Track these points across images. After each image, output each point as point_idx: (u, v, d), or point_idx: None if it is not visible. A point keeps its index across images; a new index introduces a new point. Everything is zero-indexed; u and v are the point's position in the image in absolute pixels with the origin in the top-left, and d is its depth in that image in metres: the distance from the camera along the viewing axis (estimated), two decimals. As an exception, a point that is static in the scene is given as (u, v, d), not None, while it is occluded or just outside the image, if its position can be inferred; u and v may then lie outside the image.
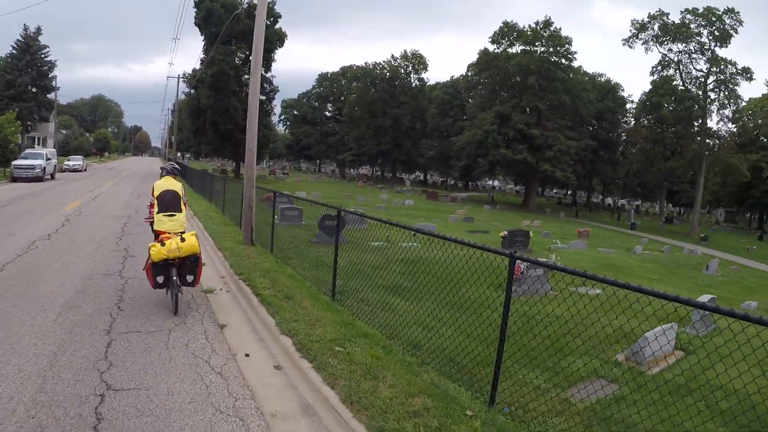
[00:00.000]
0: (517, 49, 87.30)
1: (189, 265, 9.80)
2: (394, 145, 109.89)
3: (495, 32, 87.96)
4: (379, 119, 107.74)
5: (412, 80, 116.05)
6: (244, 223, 18.18)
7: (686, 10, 77.60)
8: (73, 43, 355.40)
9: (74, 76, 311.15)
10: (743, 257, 54.44)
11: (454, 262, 7.95)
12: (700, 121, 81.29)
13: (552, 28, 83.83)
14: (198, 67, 68.76)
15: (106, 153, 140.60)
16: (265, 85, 71.73)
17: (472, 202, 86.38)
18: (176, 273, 9.69)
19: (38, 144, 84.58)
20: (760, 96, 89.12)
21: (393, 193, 78.37)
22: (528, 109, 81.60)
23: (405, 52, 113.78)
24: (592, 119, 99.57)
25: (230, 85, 63.88)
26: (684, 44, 79.39)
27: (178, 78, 75.18)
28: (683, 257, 44.21)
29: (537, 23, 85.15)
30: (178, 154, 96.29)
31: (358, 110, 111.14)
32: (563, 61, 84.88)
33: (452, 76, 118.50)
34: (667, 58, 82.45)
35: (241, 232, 19.03)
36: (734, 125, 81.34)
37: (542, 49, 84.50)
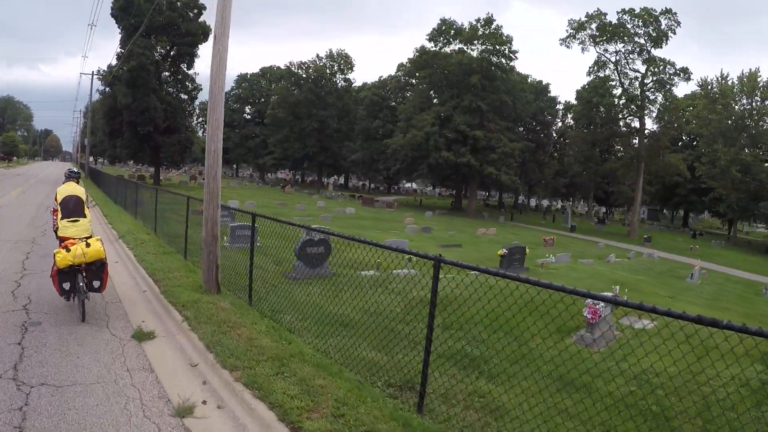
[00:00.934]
0: (455, 47, 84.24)
1: (95, 271, 9.62)
2: (320, 148, 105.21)
3: (433, 29, 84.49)
4: (304, 121, 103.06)
5: (338, 81, 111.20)
6: (207, 260, 11.96)
7: (623, 10, 77.31)
8: None
9: None
10: (691, 257, 53.87)
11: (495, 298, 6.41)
12: (637, 121, 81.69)
13: (493, 26, 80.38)
14: (114, 63, 63.09)
15: (15, 158, 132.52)
16: (186, 83, 66.41)
17: (407, 207, 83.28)
18: (83, 279, 9.44)
19: None
20: (688, 95, 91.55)
21: (326, 200, 74.17)
22: (470, 109, 77.53)
23: (330, 51, 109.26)
24: (530, 120, 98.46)
25: (150, 83, 58.59)
26: (622, 44, 79.21)
27: (92, 74, 69.02)
28: (653, 263, 42.21)
29: (478, 20, 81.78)
30: (91, 159, 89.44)
31: (281, 112, 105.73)
32: (503, 60, 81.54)
33: (380, 77, 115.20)
34: (602, 59, 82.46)
35: (187, 263, 14.87)
36: (668, 125, 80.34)
37: (481, 47, 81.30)
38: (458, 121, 75.81)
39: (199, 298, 11.02)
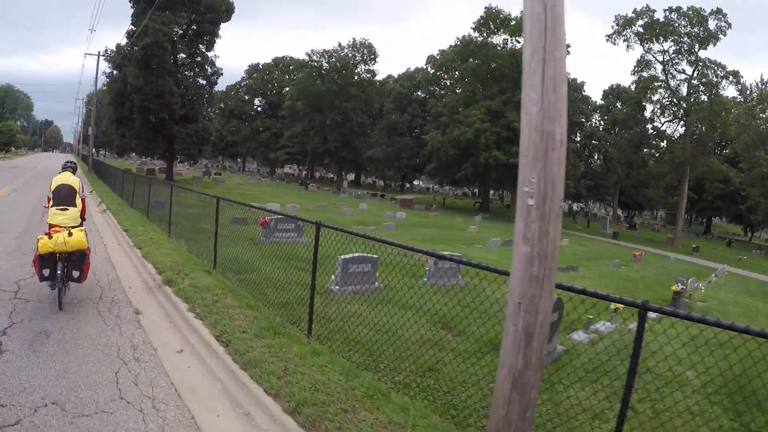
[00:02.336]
0: (500, 38, 76.57)
1: (75, 261, 9.66)
2: (342, 143, 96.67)
3: (480, 17, 76.64)
4: (326, 114, 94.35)
5: (361, 71, 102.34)
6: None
7: (670, 8, 73.41)
8: None
9: None
10: (746, 270, 50.13)
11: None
12: (680, 124, 78.41)
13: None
14: (124, 43, 55.18)
15: (12, 148, 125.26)
16: (206, 66, 58.44)
17: (443, 209, 75.58)
18: (62, 267, 9.53)
19: None
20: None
21: (368, 202, 66.26)
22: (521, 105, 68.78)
23: (354, 40, 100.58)
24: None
25: (166, 63, 50.87)
26: (669, 44, 75.14)
27: (98, 55, 60.93)
28: (747, 282, 38.23)
29: (528, 9, 73.20)
30: (93, 151, 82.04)
31: (301, 104, 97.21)
32: None
33: (408, 69, 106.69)
34: (647, 58, 78.21)
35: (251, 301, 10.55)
36: (713, 129, 76.13)
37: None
38: (511, 118, 67.32)
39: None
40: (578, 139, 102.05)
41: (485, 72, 75.99)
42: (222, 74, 59.88)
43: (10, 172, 52.18)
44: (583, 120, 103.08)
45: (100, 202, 28.68)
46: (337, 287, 12.18)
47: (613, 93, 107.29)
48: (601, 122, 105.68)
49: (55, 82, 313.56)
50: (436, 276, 14.07)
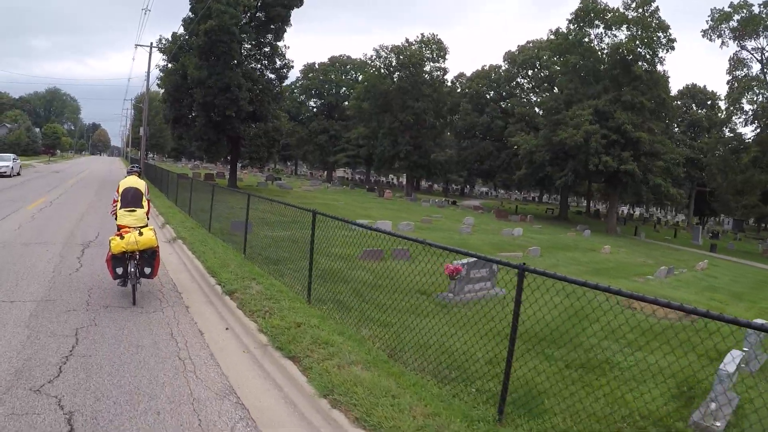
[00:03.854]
0: (597, 31, 66.94)
1: (147, 258, 10.13)
2: (414, 146, 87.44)
3: (578, 9, 66.40)
4: (398, 114, 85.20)
5: (430, 70, 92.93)
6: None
7: (765, 3, 63.21)
8: (31, 37, 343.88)
9: (32, 72, 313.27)
10: None
11: None
12: None
13: (650, 8, 62.69)
14: (180, 32, 47.76)
15: (58, 151, 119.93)
16: (275, 58, 50.52)
17: (538, 219, 65.66)
18: (135, 265, 9.92)
19: None
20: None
21: (471, 214, 57.28)
22: (631, 105, 59.64)
23: (422, 35, 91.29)
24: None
25: (233, 51, 43.33)
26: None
27: (150, 46, 53.34)
28: None
29: (629, -1, 64.15)
30: (144, 154, 75.15)
31: (368, 104, 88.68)
32: (657, 51, 63.64)
33: (483, 66, 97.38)
34: (741, 56, 68.20)
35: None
36: None
37: (627, 32, 63.61)
38: (621, 119, 58.03)
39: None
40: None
41: (587, 69, 66.35)
42: (292, 67, 51.99)
43: (52, 178, 46.01)
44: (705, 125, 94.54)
45: (164, 224, 20.78)
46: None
47: (689, 93, 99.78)
48: (676, 124, 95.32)
49: (102, 85, 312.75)
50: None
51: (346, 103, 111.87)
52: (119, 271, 9.84)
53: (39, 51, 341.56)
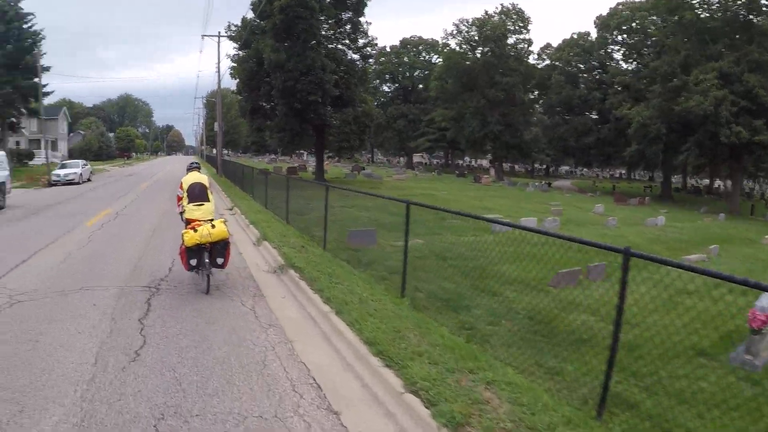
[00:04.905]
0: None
1: (219, 249, 10.22)
2: (505, 124, 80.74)
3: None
4: (485, 91, 78.60)
5: (514, 42, 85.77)
6: None
7: None
8: (100, 49, 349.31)
9: (104, 83, 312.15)
10: None
11: None
12: None
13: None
14: (250, 16, 43.56)
15: (134, 154, 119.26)
16: (357, 37, 45.48)
17: (653, 201, 58.52)
18: (208, 256, 10.14)
19: (46, 148, 63.61)
20: None
21: (588, 199, 51.19)
22: (759, 65, 50.99)
23: (502, 6, 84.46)
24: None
25: (314, 28, 38.21)
26: None
27: (218, 36, 48.98)
28: None
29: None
30: (214, 151, 71.34)
31: (451, 83, 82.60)
32: None
33: (572, 35, 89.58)
34: None
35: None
36: None
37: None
38: (751, 82, 49.34)
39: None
40: None
41: (702, 27, 57.39)
42: (376, 44, 46.75)
43: (124, 182, 42.84)
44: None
45: (260, 239, 15.67)
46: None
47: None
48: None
49: (172, 87, 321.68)
50: None
51: (421, 85, 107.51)
52: (193, 262, 10.03)
53: (109, 62, 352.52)
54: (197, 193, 10.95)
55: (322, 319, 8.44)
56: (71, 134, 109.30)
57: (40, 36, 54.36)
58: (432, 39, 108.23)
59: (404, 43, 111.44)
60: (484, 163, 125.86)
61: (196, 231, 9.89)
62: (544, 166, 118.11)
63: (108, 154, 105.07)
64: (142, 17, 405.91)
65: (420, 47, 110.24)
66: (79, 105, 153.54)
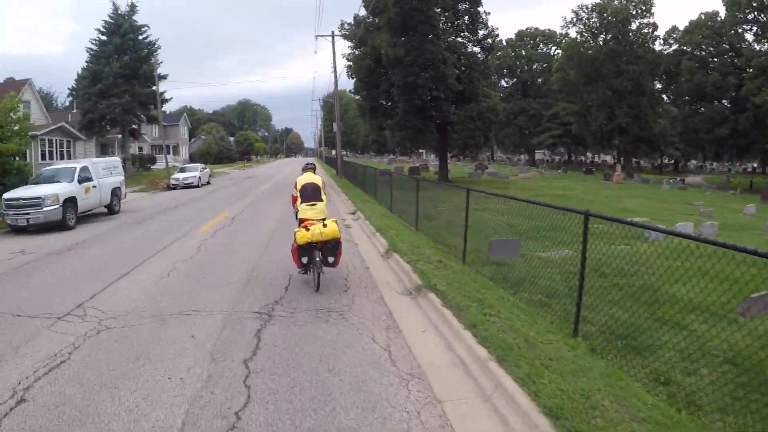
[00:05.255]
0: None
1: (330, 248, 10.35)
2: (634, 117, 75.42)
3: None
4: (611, 81, 74.09)
5: (638, 27, 79.83)
6: None
7: None
8: (219, 59, 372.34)
9: (223, 89, 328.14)
10: None
11: None
12: None
13: None
14: (362, 13, 42.40)
15: (254, 157, 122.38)
16: (476, 27, 43.42)
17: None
18: (319, 255, 10.26)
19: (169, 153, 65.23)
20: None
21: (750, 201, 45.53)
22: None
23: (622, -14, 79.25)
24: None
25: (432, 19, 36.26)
26: None
27: (332, 35, 47.90)
28: None
29: None
30: (333, 152, 70.70)
31: (573, 74, 78.68)
32: None
33: (699, 15, 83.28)
34: None
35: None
36: None
37: None
38: None
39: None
40: None
41: None
42: (497, 35, 44.34)
43: (243, 185, 43.02)
44: None
45: (389, 249, 13.94)
46: None
47: None
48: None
49: (289, 91, 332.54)
50: None
51: (540, 79, 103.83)
52: (304, 260, 10.24)
53: (227, 70, 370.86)
54: (310, 193, 11.12)
55: (478, 368, 6.34)
56: (193, 139, 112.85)
57: (156, 46, 55.78)
58: (548, 30, 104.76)
59: (521, 35, 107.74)
60: (607, 158, 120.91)
61: (308, 230, 10.09)
62: (672, 161, 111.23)
63: (228, 157, 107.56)
64: (256, 24, 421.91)
65: (537, 39, 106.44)
66: (200, 112, 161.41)
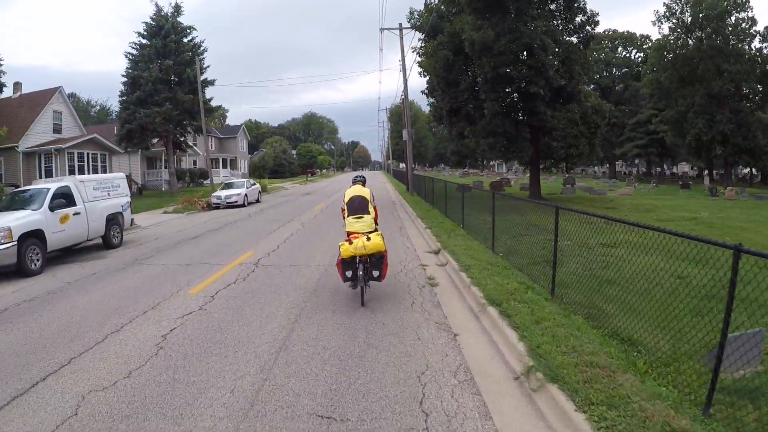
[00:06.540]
0: None
1: (375, 262, 10.09)
2: (736, 124, 65.82)
3: None
4: (710, 84, 64.70)
5: (735, 21, 70.66)
6: None
7: None
8: (286, 73, 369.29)
9: (290, 103, 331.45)
10: None
11: None
12: None
13: None
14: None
15: (318, 170, 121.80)
16: (573, 13, 35.58)
17: None
18: (363, 269, 9.97)
19: (225, 167, 59.63)
20: None
21: None
22: None
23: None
24: None
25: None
26: None
27: (400, 27, 41.61)
28: None
29: None
30: (400, 165, 64.45)
31: (665, 76, 69.71)
32: None
33: None
34: None
35: None
36: None
37: None
38: None
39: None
40: None
41: None
42: (598, 22, 36.33)
43: (296, 203, 38.39)
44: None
45: (516, 344, 7.18)
46: None
47: None
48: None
49: (355, 103, 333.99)
50: None
51: (621, 85, 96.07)
52: (348, 274, 9.95)
53: (294, 84, 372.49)
54: (357, 206, 10.85)
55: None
56: (255, 153, 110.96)
57: (202, 48, 50.02)
58: (627, 32, 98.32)
59: (598, 38, 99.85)
60: (686, 169, 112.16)
61: (351, 243, 9.80)
62: (759, 173, 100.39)
63: (290, 170, 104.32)
64: (324, 41, 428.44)
65: (616, 42, 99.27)
66: (266, 126, 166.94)
